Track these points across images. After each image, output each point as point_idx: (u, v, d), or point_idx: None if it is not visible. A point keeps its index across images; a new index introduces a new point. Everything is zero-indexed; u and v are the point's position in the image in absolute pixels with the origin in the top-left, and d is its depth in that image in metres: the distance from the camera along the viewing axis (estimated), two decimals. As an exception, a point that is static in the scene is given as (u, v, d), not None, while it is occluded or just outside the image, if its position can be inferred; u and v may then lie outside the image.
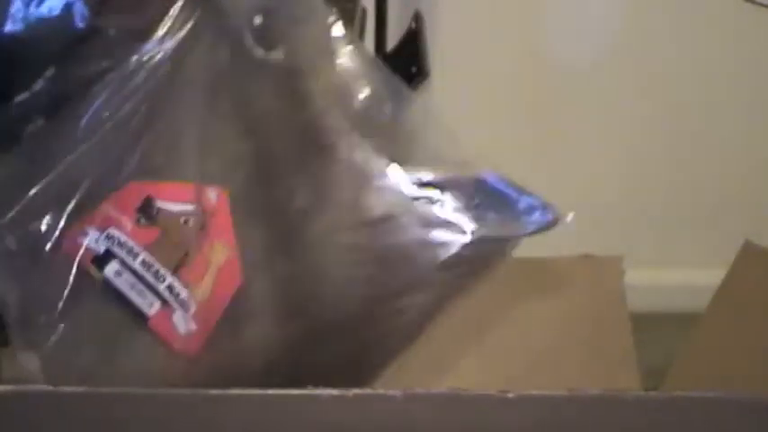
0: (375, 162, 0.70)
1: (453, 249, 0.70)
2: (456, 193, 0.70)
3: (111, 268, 0.68)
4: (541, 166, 2.19)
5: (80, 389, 0.57)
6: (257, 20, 0.69)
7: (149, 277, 0.68)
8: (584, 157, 2.15)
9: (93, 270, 0.68)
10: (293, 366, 0.70)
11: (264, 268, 0.69)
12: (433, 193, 0.69)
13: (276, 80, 0.70)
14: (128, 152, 0.69)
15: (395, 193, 0.69)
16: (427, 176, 0.69)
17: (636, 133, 2.14)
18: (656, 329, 1.76)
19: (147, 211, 0.68)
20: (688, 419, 0.60)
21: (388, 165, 0.70)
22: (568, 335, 1.14)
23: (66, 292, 0.68)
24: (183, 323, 0.68)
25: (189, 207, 0.68)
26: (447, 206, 0.70)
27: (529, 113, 2.17)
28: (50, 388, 0.57)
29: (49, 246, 0.68)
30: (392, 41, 1.89)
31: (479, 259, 0.72)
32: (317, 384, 0.67)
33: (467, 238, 0.70)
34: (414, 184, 0.70)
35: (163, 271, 0.68)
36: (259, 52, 0.69)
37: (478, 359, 1.07)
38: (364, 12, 1.86)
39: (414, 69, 1.81)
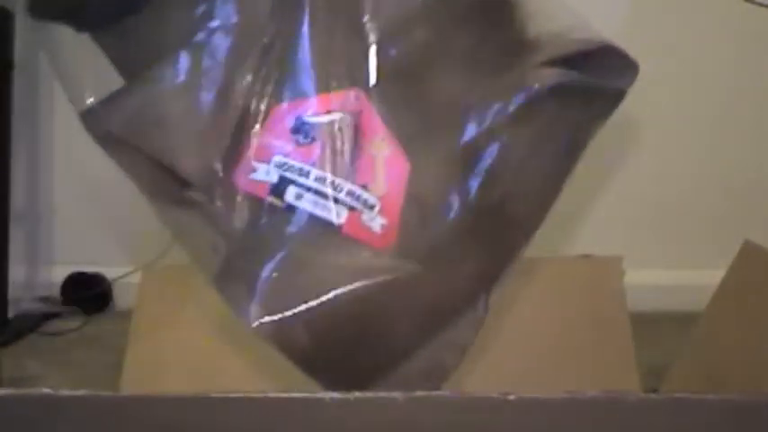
0: (523, 37, 0.74)
1: (599, 103, 0.77)
2: (588, 59, 0.74)
3: (290, 193, 0.70)
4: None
5: (80, 392, 0.57)
6: None
7: (328, 190, 0.69)
8: (584, 157, 2.15)
9: (274, 200, 0.70)
10: (483, 227, 0.73)
11: (426, 147, 0.72)
12: (576, 60, 0.74)
13: None
14: (263, 77, 0.70)
15: (555, 65, 0.73)
16: (568, 49, 0.74)
17: (634, 134, 2.14)
18: (656, 329, 1.76)
19: (301, 129, 0.69)
20: (688, 421, 0.60)
21: (536, 39, 0.74)
22: (568, 335, 1.14)
23: (259, 227, 0.70)
24: (373, 222, 0.70)
25: (337, 115, 0.70)
26: (585, 71, 0.75)
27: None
28: (50, 392, 0.57)
29: (222, 190, 0.70)
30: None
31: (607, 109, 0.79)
32: (507, 240, 0.73)
33: (609, 95, 0.77)
34: (561, 55, 0.73)
35: (338, 180, 0.70)
36: None
37: (478, 359, 1.07)
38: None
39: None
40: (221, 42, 0.70)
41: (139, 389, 1.11)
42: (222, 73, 0.70)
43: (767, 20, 1.84)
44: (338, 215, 0.70)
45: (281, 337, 0.67)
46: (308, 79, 0.70)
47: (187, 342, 1.18)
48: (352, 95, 0.70)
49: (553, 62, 0.73)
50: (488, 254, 0.75)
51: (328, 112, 0.70)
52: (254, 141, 0.70)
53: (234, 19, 0.70)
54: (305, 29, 0.70)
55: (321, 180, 0.70)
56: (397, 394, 0.59)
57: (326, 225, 0.70)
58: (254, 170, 0.70)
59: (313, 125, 0.70)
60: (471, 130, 0.71)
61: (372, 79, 0.70)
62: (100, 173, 2.31)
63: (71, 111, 2.33)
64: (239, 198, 0.70)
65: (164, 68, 0.70)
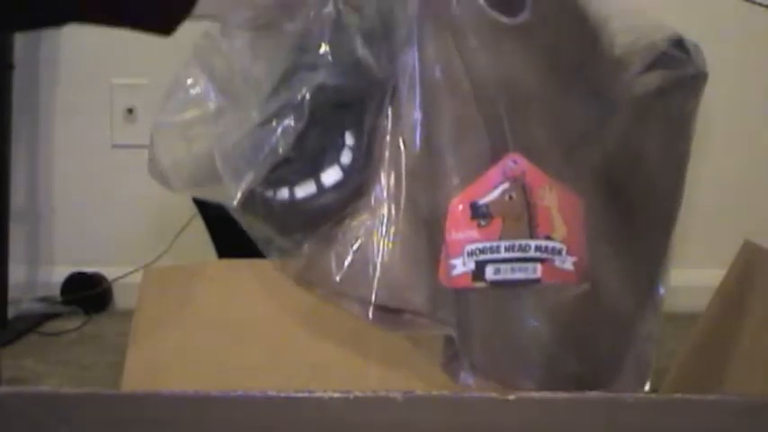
0: (615, 54, 0.81)
1: (691, 93, 0.87)
2: (668, 52, 0.83)
3: (489, 272, 0.75)
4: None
5: (80, 390, 0.57)
6: None
7: (519, 254, 0.75)
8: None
9: (478, 284, 0.75)
10: (638, 229, 0.81)
11: (585, 180, 0.77)
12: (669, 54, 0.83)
13: (527, 40, 0.77)
14: (433, 183, 0.75)
15: (660, 70, 0.82)
16: (653, 54, 0.82)
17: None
18: (656, 329, 1.76)
19: (479, 214, 0.74)
20: (688, 422, 0.60)
21: (626, 53, 0.81)
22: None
23: (473, 311, 0.76)
24: (565, 263, 0.76)
25: (504, 185, 0.75)
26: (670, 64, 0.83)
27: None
28: (50, 390, 0.57)
29: (437, 298, 0.76)
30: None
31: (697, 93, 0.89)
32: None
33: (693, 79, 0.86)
34: (651, 61, 0.82)
35: (524, 242, 0.75)
36: (503, 19, 0.75)
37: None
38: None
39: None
40: None
41: (140, 388, 1.11)
42: (405, 193, 0.75)
43: (767, 20, 1.85)
44: (534, 271, 0.76)
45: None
46: (466, 165, 0.75)
47: (187, 342, 1.18)
48: (510, 161, 0.75)
49: (647, 67, 0.81)
50: (650, 250, 0.83)
51: (495, 186, 0.75)
52: (443, 242, 0.75)
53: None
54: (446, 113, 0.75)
55: (510, 248, 0.75)
56: (396, 394, 0.59)
57: (527, 282, 0.76)
58: (453, 267, 0.75)
59: (486, 206, 0.75)
60: (600, 147, 0.78)
61: (517, 139, 0.75)
62: (100, 173, 2.31)
63: (71, 111, 2.33)
64: (451, 296, 0.75)
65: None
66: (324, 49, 0.69)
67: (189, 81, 0.74)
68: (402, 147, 0.73)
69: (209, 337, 1.16)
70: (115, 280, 2.16)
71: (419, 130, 0.73)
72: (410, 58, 0.74)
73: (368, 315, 0.75)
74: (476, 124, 0.75)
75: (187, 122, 0.75)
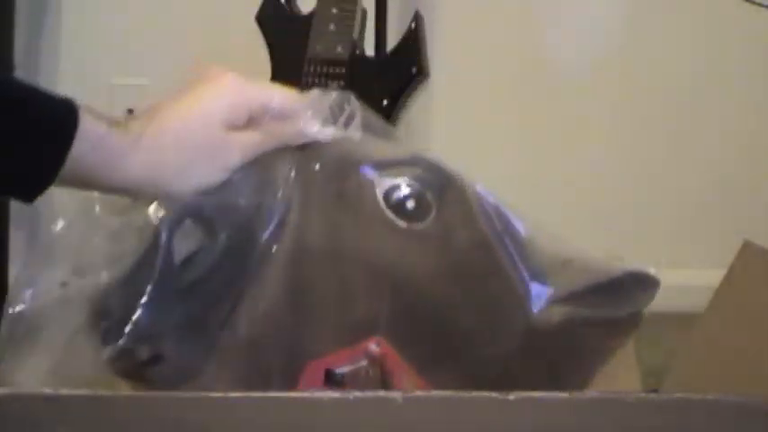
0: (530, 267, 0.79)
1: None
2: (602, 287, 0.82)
3: None
4: (542, 166, 2.19)
5: (79, 392, 0.57)
6: (397, 195, 0.76)
7: None
8: (585, 157, 2.15)
9: None
10: None
11: (445, 375, 0.78)
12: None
13: (421, 245, 0.77)
14: (290, 339, 0.76)
15: (569, 307, 0.80)
16: (574, 286, 0.80)
17: (636, 134, 2.14)
18: (656, 329, 1.76)
19: (332, 381, 0.76)
20: (688, 421, 0.60)
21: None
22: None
23: None
24: None
25: (363, 362, 0.76)
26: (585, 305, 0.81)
27: (529, 114, 2.17)
28: (48, 391, 0.57)
29: None
30: (392, 41, 1.89)
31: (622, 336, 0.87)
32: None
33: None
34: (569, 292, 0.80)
35: None
36: (401, 224, 0.76)
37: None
38: (364, 12, 1.87)
39: (414, 70, 1.82)
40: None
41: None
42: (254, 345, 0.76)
43: (767, 20, 1.85)
44: None
45: None
46: (330, 336, 0.77)
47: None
48: (373, 343, 0.76)
49: (562, 299, 0.79)
50: None
51: (354, 362, 0.76)
52: None
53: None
54: (323, 290, 0.76)
55: None
56: (395, 394, 0.59)
57: None
58: None
59: (341, 376, 0.76)
60: (477, 363, 0.78)
61: (391, 325, 0.76)
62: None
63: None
64: None
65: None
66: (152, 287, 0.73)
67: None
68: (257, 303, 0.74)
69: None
70: (115, 280, 2.16)
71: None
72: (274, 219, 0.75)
73: None
74: (350, 298, 0.76)
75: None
